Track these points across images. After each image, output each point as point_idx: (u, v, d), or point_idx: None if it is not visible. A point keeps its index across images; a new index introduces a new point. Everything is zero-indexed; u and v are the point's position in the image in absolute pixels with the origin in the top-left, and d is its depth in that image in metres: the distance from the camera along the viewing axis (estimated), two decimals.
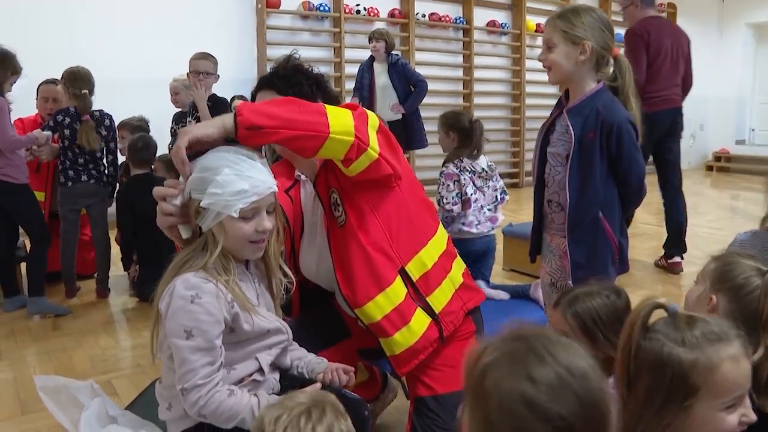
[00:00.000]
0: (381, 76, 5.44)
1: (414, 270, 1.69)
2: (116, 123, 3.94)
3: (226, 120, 1.37)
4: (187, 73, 3.82)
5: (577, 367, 0.81)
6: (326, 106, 1.50)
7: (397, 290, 1.66)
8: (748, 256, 1.51)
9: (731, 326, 1.06)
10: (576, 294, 1.49)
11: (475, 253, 3.16)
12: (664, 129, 4.15)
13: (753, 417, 1.03)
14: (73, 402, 1.54)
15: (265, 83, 1.79)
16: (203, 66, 3.75)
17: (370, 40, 5.44)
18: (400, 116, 5.41)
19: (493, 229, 3.24)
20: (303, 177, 1.86)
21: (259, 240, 1.43)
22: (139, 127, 4.15)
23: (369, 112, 1.61)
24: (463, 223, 3.15)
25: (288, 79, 1.75)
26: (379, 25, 6.88)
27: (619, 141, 1.90)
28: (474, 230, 3.16)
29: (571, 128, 1.94)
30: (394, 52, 5.50)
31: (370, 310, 1.65)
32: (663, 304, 1.09)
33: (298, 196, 1.87)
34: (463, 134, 3.21)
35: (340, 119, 1.47)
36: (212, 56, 3.84)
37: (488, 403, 0.79)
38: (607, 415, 0.81)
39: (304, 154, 1.50)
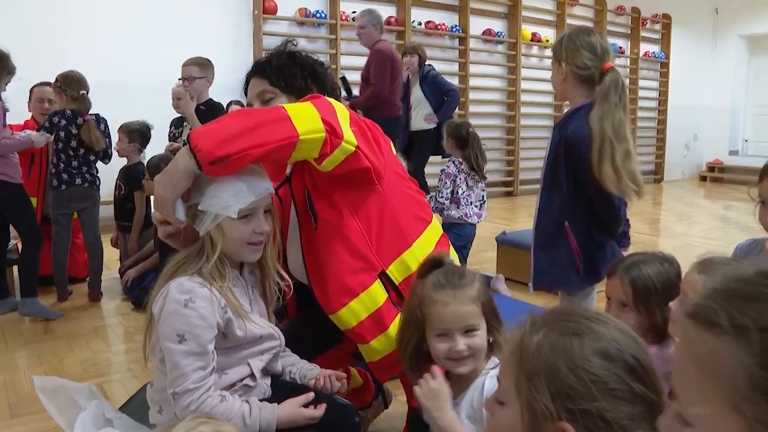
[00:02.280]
0: (415, 90, 5.51)
1: (397, 273, 1.62)
2: (114, 126, 3.92)
3: (187, 163, 1.29)
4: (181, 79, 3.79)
5: (620, 323, 0.92)
6: (285, 106, 1.40)
7: (375, 295, 1.59)
8: (729, 263, 1.45)
9: (472, 278, 1.36)
10: (632, 262, 1.55)
11: (466, 237, 3.89)
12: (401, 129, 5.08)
13: (459, 347, 1.32)
14: (70, 403, 1.53)
15: (259, 70, 1.74)
16: (186, 72, 3.66)
17: (403, 54, 5.47)
18: (434, 125, 5.45)
19: (479, 221, 4.01)
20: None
21: (257, 242, 1.43)
22: (136, 130, 4.11)
23: (335, 102, 1.49)
24: (465, 214, 3.88)
25: (281, 70, 1.70)
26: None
27: (578, 156, 1.96)
28: (470, 219, 3.90)
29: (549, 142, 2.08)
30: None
31: (345, 316, 1.59)
32: (440, 258, 1.43)
33: (288, 196, 1.85)
34: (461, 141, 3.94)
35: (305, 118, 1.36)
36: (200, 59, 3.73)
37: (558, 372, 0.83)
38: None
39: (276, 163, 1.38)
